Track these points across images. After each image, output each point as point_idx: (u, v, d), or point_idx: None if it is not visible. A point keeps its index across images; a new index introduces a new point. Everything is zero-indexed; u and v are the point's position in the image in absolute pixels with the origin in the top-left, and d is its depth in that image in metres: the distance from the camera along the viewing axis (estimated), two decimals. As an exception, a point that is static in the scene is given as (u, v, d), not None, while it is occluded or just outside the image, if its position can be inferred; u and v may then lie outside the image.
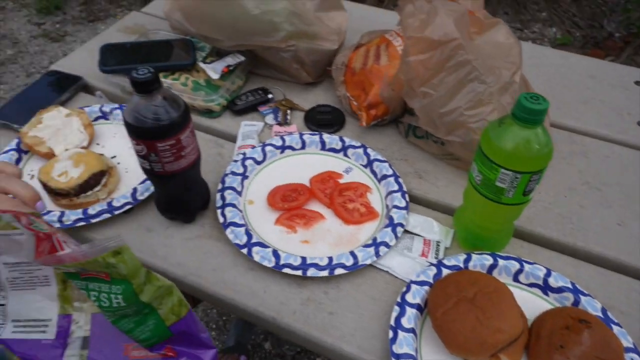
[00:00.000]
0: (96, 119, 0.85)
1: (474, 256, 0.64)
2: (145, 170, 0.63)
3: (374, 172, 0.78)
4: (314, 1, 0.88)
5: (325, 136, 0.81)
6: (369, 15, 1.13)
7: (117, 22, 1.09)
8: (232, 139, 0.85)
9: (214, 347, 0.45)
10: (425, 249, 0.68)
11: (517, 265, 0.63)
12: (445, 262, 0.64)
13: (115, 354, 0.43)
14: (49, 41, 2.58)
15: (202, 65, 0.89)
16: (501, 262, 0.64)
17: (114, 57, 0.89)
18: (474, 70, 0.68)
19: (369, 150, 0.79)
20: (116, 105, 0.86)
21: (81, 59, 0.99)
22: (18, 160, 0.78)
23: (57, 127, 0.79)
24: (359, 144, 0.80)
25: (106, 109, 0.85)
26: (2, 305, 0.43)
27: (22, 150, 0.79)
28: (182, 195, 0.68)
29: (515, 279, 0.64)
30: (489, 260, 0.64)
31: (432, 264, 0.64)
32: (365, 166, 0.79)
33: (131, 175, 0.77)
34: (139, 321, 0.42)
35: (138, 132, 0.57)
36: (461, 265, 0.64)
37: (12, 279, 0.43)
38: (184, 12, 0.88)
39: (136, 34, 1.06)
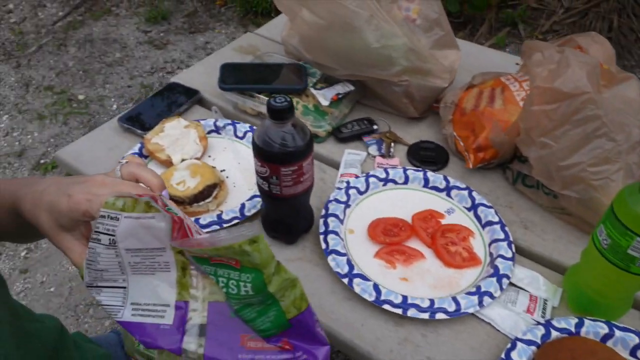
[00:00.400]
0: (209, 132, 0.90)
1: (586, 321, 0.61)
2: (262, 191, 0.65)
3: (477, 217, 0.76)
4: (430, 38, 0.89)
5: (430, 173, 0.81)
6: (479, 54, 1.12)
7: (232, 42, 1.16)
8: (334, 165, 0.86)
9: (327, 344, 0.44)
10: (532, 305, 0.65)
11: (636, 340, 0.59)
12: (555, 323, 0.61)
13: (232, 343, 0.42)
14: (152, 48, 2.79)
15: (312, 90, 0.92)
16: (618, 333, 0.59)
17: (232, 76, 0.94)
18: (603, 126, 0.66)
19: (474, 193, 0.78)
20: (229, 121, 0.91)
21: (198, 74, 1.06)
22: (139, 164, 0.84)
23: (176, 137, 0.85)
24: (463, 186, 0.79)
25: (220, 123, 0.90)
26: (124, 287, 0.44)
27: (143, 155, 0.85)
28: (290, 217, 0.70)
29: (633, 354, 0.59)
30: (603, 329, 0.60)
31: (539, 323, 0.61)
32: (468, 209, 0.77)
33: (238, 190, 0.80)
34: (262, 311, 0.42)
35: (266, 155, 0.59)
36: (572, 329, 0.60)
37: (133, 264, 0.43)
38: (302, 39, 0.92)
39: (249, 54, 1.12)
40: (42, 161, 2.09)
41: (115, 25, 2.96)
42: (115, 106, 2.40)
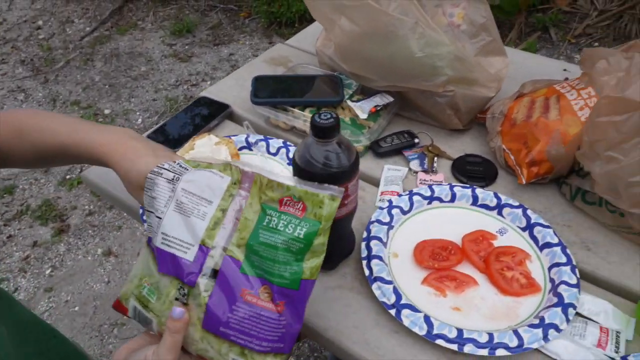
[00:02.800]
0: (241, 148, 0.86)
1: (670, 360, 0.54)
2: (301, 213, 0.60)
3: (534, 238, 0.69)
4: (475, 44, 0.83)
5: (479, 190, 0.75)
6: (523, 61, 1.06)
7: (263, 54, 1.12)
8: (373, 181, 0.81)
9: (301, 325, 0.49)
10: (603, 338, 0.58)
11: None
12: (632, 359, 0.54)
13: (234, 291, 0.48)
14: (177, 61, 2.80)
15: (349, 103, 0.87)
16: None
17: (265, 90, 0.90)
18: (680, 138, 0.59)
19: (529, 212, 0.71)
20: (261, 137, 0.86)
21: (228, 87, 1.03)
22: (169, 183, 0.81)
23: (207, 155, 0.81)
24: (516, 203, 0.72)
25: (252, 139, 0.86)
26: (160, 218, 0.51)
27: (173, 173, 0.81)
28: (332, 243, 0.64)
29: None
30: (691, 369, 0.53)
31: (612, 359, 0.55)
32: (523, 229, 0.71)
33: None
34: (289, 262, 0.49)
35: (308, 176, 0.55)
36: (654, 369, 0.53)
37: (179, 202, 0.51)
38: (338, 49, 0.87)
39: (280, 65, 1.08)
40: (67, 177, 2.10)
41: (141, 39, 2.99)
42: (140, 120, 2.40)
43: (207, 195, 0.51)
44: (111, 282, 1.67)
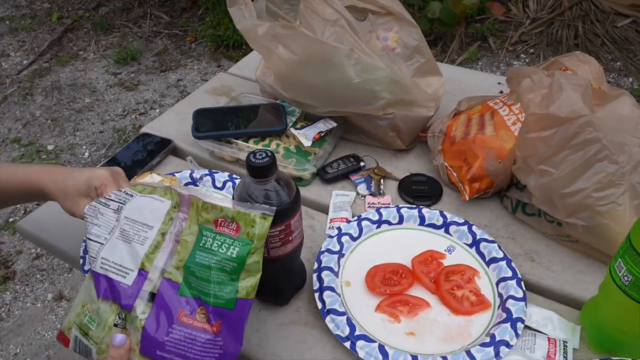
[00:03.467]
0: (186, 184, 0.84)
1: (614, 364, 0.56)
2: (247, 253, 0.59)
3: (480, 254, 0.71)
4: (411, 66, 0.85)
5: (425, 210, 0.76)
6: (461, 77, 1.09)
7: (205, 84, 1.11)
8: (322, 208, 0.81)
9: (241, 344, 0.50)
10: (551, 349, 0.60)
11: (670, 381, 0.54)
12: (580, 370, 0.56)
13: (172, 313, 0.49)
14: (123, 90, 2.73)
15: (293, 131, 0.87)
16: (650, 375, 0.55)
17: (207, 122, 0.88)
18: (604, 149, 0.62)
19: (474, 228, 0.73)
20: (206, 172, 0.85)
21: (170, 121, 1.00)
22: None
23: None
24: (462, 220, 0.74)
25: (196, 175, 0.84)
26: (102, 244, 0.54)
27: (116, 217, 0.78)
28: (281, 279, 0.64)
29: (669, 397, 0.54)
30: (633, 372, 0.55)
31: (563, 372, 0.56)
32: (470, 245, 0.72)
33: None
34: (224, 281, 0.50)
35: (248, 217, 0.54)
36: (601, 376, 0.55)
37: (122, 230, 0.54)
38: (278, 77, 0.87)
39: (222, 94, 1.07)
40: (10, 219, 1.99)
41: (84, 69, 2.90)
42: (87, 154, 2.32)
43: (149, 220, 0.54)
44: (64, 329, 1.58)
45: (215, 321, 0.49)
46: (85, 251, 0.71)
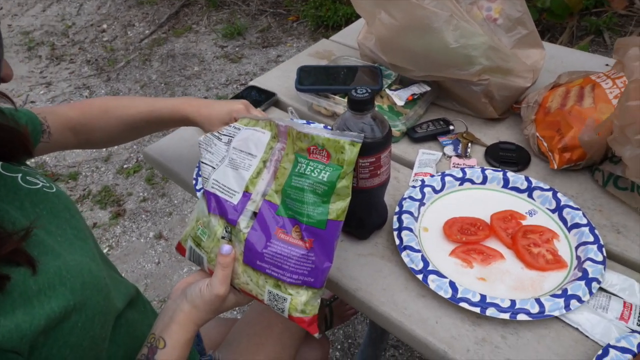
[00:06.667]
0: (285, 131, 0.93)
1: (692, 334, 0.55)
2: (338, 182, 0.66)
3: (563, 219, 0.72)
4: (512, 37, 0.86)
5: (509, 174, 0.78)
6: (565, 56, 1.07)
7: (308, 48, 1.19)
8: (408, 164, 0.86)
9: (331, 262, 0.54)
10: (626, 312, 0.60)
11: None
12: (653, 333, 0.56)
13: (270, 230, 0.55)
14: (228, 62, 2.93)
15: (388, 91, 0.92)
16: None
17: (309, 78, 0.97)
18: None
19: (559, 195, 0.73)
20: (304, 122, 0.93)
21: (275, 77, 1.10)
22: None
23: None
24: (547, 187, 0.75)
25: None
26: (214, 168, 0.61)
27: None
28: (365, 211, 0.70)
29: None
30: None
31: (635, 331, 0.56)
32: (553, 211, 0.73)
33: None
34: (317, 203, 0.54)
35: (344, 145, 0.60)
36: (675, 341, 0.55)
37: (231, 159, 0.61)
38: (378, 41, 0.93)
39: (324, 58, 1.15)
40: (125, 166, 2.25)
41: (195, 41, 3.16)
42: (192, 116, 2.54)
43: (252, 150, 0.60)
44: (161, 263, 1.78)
45: (308, 238, 0.53)
46: (198, 174, 0.83)
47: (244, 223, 0.56)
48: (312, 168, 0.54)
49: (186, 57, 3.02)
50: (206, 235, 0.59)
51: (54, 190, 0.58)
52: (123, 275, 1.76)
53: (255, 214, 0.56)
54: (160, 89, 2.76)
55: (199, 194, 0.64)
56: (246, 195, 0.57)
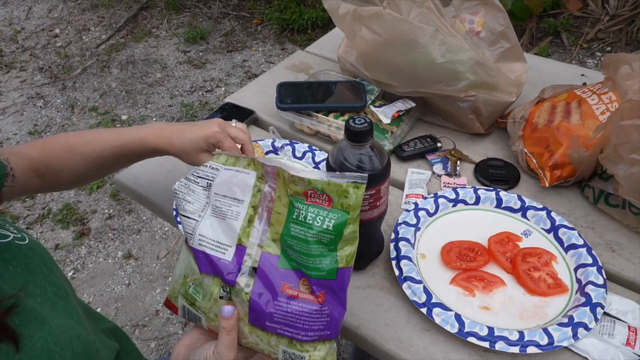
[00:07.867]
0: (267, 152, 0.89)
1: (699, 358, 0.55)
2: (334, 215, 0.62)
3: (559, 240, 0.71)
4: (495, 51, 0.85)
5: (502, 193, 0.76)
6: (541, 66, 1.08)
7: (285, 60, 1.15)
8: (398, 184, 0.83)
9: (345, 308, 0.50)
10: (632, 336, 0.59)
11: None
12: (661, 359, 0.55)
13: (275, 286, 0.49)
14: (192, 67, 2.84)
15: (372, 108, 0.89)
16: None
17: (289, 95, 0.92)
18: None
19: (553, 214, 0.73)
20: (287, 142, 0.89)
21: (252, 93, 1.05)
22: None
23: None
24: (540, 206, 0.74)
25: (278, 144, 0.88)
26: (197, 220, 0.54)
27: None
28: (363, 243, 0.66)
29: None
30: None
31: (642, 359, 0.56)
32: (548, 231, 0.72)
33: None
34: (324, 253, 0.49)
35: (343, 179, 0.57)
36: (684, 367, 0.54)
37: (215, 207, 0.54)
38: (360, 57, 0.90)
39: (301, 71, 1.11)
40: (88, 181, 2.14)
41: (156, 46, 3.04)
42: (157, 125, 2.44)
43: (238, 194, 0.53)
44: (132, 285, 1.70)
45: (319, 292, 0.49)
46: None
47: (243, 282, 0.50)
48: (314, 215, 0.48)
49: (147, 63, 2.90)
50: (200, 295, 0.53)
51: (27, 241, 0.51)
52: (91, 299, 1.68)
53: (254, 269, 0.50)
54: (121, 98, 2.64)
55: (183, 247, 0.56)
56: (240, 248, 0.51)
